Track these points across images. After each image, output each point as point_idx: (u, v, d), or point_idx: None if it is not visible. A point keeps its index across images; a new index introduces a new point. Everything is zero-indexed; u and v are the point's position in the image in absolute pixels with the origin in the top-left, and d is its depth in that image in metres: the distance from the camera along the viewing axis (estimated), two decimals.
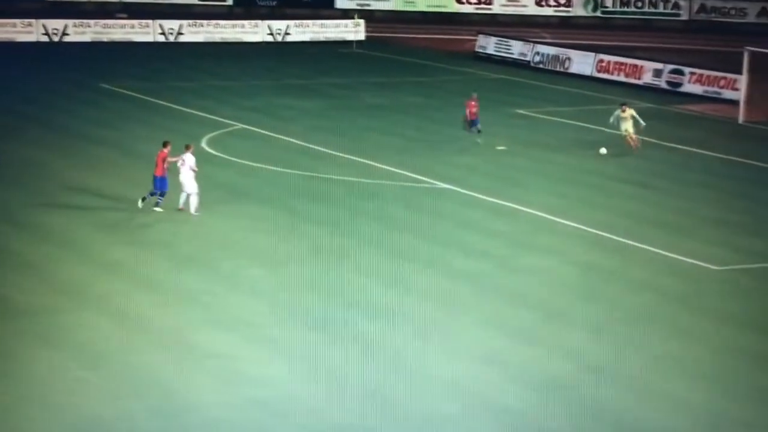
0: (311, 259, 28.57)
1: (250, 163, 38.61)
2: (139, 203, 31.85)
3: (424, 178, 37.31)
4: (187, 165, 31.44)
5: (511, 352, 23.24)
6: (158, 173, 31.71)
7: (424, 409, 20.49)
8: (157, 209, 31.78)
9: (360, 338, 23.64)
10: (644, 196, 36.41)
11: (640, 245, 30.71)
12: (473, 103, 42.99)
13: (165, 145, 32.01)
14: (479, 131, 42.56)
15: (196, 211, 31.56)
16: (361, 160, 39.55)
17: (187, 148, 32.21)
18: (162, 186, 31.72)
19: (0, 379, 21.08)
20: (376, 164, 38.96)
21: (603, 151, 40.92)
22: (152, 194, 31.85)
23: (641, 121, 41.27)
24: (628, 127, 41.21)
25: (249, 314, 24.85)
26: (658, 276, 28.39)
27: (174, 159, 31.64)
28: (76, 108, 48.19)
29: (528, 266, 29.03)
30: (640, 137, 41.41)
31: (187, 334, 23.49)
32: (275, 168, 38.05)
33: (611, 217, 33.40)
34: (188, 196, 31.63)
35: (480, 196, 35.40)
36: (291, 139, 43.02)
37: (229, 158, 39.14)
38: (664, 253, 30.09)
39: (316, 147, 41.65)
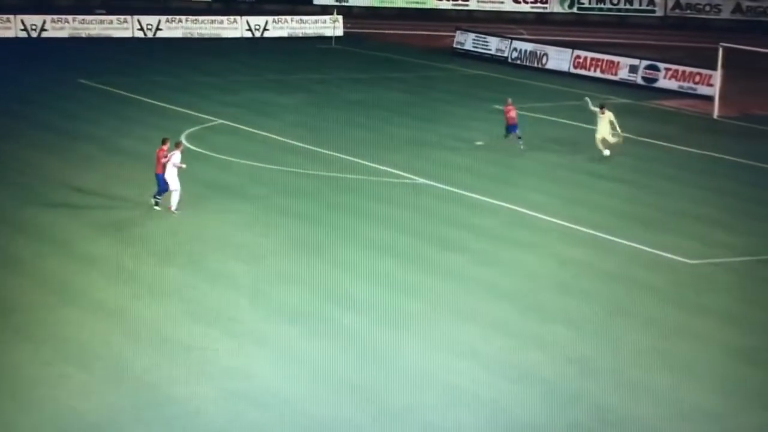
0: (291, 254, 28.77)
1: (231, 159, 38.67)
2: (155, 206, 31.67)
3: (403, 174, 37.49)
4: (171, 162, 31.43)
5: (487, 343, 23.50)
6: (159, 171, 31.52)
7: (402, 400, 20.73)
8: (157, 208, 31.73)
9: (339, 331, 23.85)
10: (620, 191, 36.72)
11: (615, 239, 31.02)
12: (510, 108, 41.52)
13: (164, 142, 31.92)
14: (519, 137, 41.08)
15: (176, 209, 31.59)
16: (341, 155, 39.64)
17: (177, 145, 32.22)
18: (164, 183, 31.57)
19: None
20: (355, 160, 39.07)
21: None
22: (160, 193, 31.65)
23: (617, 129, 40.87)
24: (603, 128, 40.60)
25: (230, 308, 24.99)
26: (633, 269, 28.71)
27: (167, 159, 31.44)
28: (56, 103, 48.16)
29: (506, 260, 29.28)
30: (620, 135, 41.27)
31: (167, 327, 23.60)
32: (256, 163, 38.15)
33: (588, 212, 33.67)
34: (170, 192, 31.65)
35: (458, 191, 35.65)
36: (271, 135, 43.13)
37: (210, 154, 39.17)
38: (640, 246, 30.42)
39: (296, 143, 41.76)
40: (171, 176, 31.43)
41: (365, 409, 20.31)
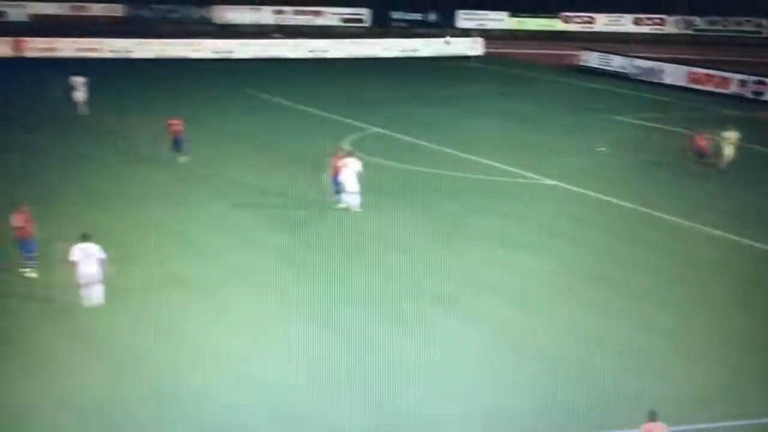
0: (439, 246, 28.69)
1: (389, 163, 38.79)
2: (339, 205, 31.54)
3: (533, 175, 37.21)
4: (348, 167, 31.50)
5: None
6: (334, 174, 31.61)
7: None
8: (342, 206, 31.52)
9: (491, 318, 23.74)
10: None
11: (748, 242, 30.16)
12: (702, 137, 38.33)
13: (339, 151, 32.12)
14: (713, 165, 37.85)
15: (359, 208, 31.47)
16: (481, 160, 39.53)
17: (350, 154, 32.44)
18: (339, 185, 31.61)
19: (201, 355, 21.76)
20: (492, 163, 38.94)
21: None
22: (338, 193, 31.59)
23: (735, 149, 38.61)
24: (729, 151, 38.29)
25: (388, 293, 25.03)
26: None
27: (341, 164, 31.56)
28: (243, 114, 48.98)
29: (625, 256, 28.77)
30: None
31: (331, 309, 23.81)
32: (412, 167, 38.20)
33: (702, 212, 32.94)
34: (350, 194, 31.49)
35: (583, 191, 35.26)
36: (422, 142, 43.17)
37: (371, 159, 39.33)
38: None
39: (444, 148, 41.74)
40: (349, 180, 31.48)
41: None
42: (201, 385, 19.77)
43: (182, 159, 36.87)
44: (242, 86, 57.53)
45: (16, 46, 64.71)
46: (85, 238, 22.94)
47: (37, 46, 64.76)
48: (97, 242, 23.05)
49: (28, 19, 72.57)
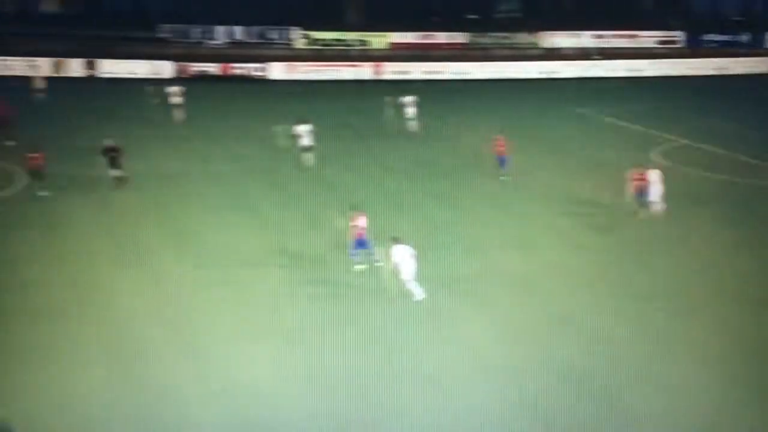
0: None
1: (700, 173, 36.70)
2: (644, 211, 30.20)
3: None
4: (649, 180, 30.14)
5: None
6: (636, 186, 30.19)
7: None
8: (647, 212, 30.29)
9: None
10: None
11: None
12: None
13: (638, 166, 30.82)
14: None
15: (660, 210, 30.09)
16: None
17: (647, 167, 30.99)
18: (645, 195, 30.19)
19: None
20: None
21: None
22: (644, 203, 30.25)
23: None
24: None
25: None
26: None
27: (641, 180, 30.13)
28: (565, 128, 48.27)
29: None
30: None
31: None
32: (724, 177, 35.92)
33: None
34: (652, 203, 30.12)
35: None
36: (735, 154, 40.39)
37: (680, 167, 37.49)
38: None
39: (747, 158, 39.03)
40: (653, 191, 30.07)
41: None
42: None
43: (503, 178, 35.04)
44: (565, 104, 56.59)
45: (376, 70, 67.39)
46: (396, 240, 23.12)
47: (392, 69, 67.10)
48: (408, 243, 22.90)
49: (388, 47, 75.48)
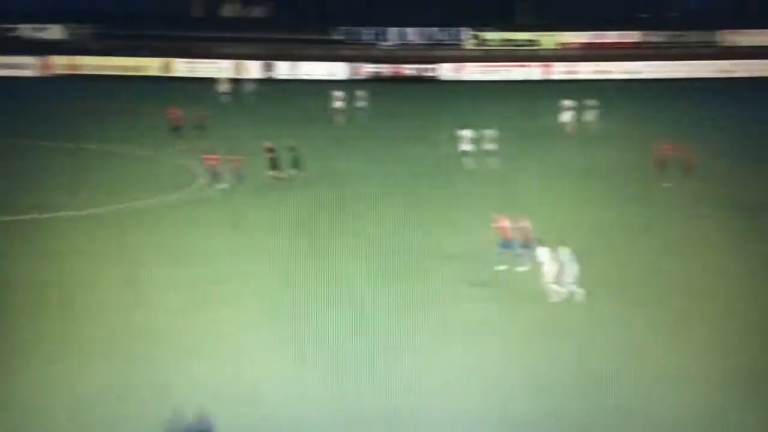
0: None
1: None
2: None
3: None
4: None
5: None
6: None
7: None
8: None
9: None
10: None
11: None
12: None
13: None
14: None
15: None
16: None
17: None
18: None
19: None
20: None
21: None
22: None
23: None
24: None
25: None
26: None
27: None
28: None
29: None
30: None
31: None
32: None
33: None
34: None
35: None
36: None
37: None
38: None
39: None
40: None
41: None
42: None
43: (666, 185, 34.74)
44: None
45: (545, 70, 67.33)
46: (540, 242, 23.75)
47: (560, 70, 66.89)
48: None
49: (558, 47, 75.14)
